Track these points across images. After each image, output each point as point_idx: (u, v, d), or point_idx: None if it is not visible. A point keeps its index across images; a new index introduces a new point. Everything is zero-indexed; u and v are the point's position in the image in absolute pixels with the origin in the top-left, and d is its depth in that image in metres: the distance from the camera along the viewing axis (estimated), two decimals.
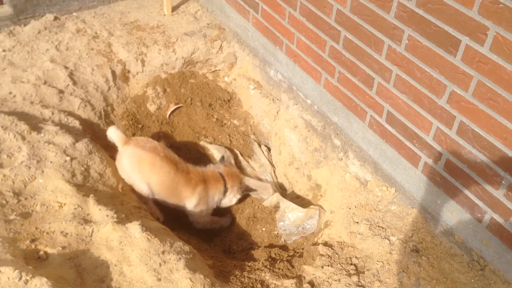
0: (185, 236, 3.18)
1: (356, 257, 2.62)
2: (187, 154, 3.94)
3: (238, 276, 2.56)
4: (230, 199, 3.56)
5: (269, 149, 4.00)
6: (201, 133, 4.06)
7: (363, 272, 2.51)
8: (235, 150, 3.98)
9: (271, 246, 3.20)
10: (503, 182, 2.25)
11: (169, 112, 4.00)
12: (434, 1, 2.24)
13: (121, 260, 2.36)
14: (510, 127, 2.13)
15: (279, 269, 2.68)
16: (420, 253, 2.55)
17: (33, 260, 2.26)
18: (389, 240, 2.63)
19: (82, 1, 4.30)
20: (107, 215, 2.60)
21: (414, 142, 2.68)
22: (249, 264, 2.78)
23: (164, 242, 2.48)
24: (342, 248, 2.71)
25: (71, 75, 3.63)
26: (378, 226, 2.73)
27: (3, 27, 3.91)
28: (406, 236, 2.65)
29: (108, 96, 3.76)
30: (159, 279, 2.29)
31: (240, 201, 3.71)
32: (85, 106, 3.54)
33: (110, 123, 3.68)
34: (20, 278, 2.02)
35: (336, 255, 2.66)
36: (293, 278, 2.54)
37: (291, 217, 3.22)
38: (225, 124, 4.13)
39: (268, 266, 2.70)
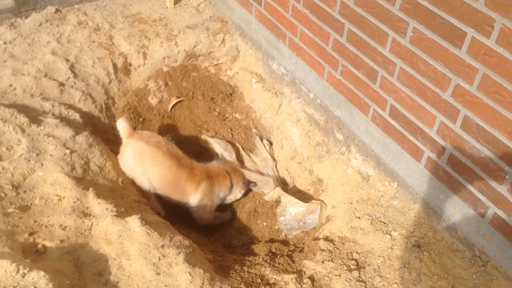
0: (185, 231, 3.16)
1: (357, 252, 2.60)
2: (189, 148, 3.92)
3: (238, 271, 2.55)
4: (235, 195, 3.56)
5: (271, 143, 3.97)
6: (202, 127, 4.03)
7: (364, 267, 2.48)
8: (237, 144, 3.96)
9: (271, 240, 3.18)
10: (507, 177, 2.21)
11: (170, 106, 3.98)
12: None
13: (120, 254, 2.35)
14: None
15: (279, 264, 2.66)
16: (422, 249, 2.53)
17: (31, 254, 2.25)
18: (390, 235, 2.60)
19: None
20: (106, 209, 2.58)
21: (417, 136, 2.64)
22: (249, 258, 2.76)
23: (164, 236, 2.46)
24: (343, 243, 2.69)
25: (72, 68, 3.61)
26: (380, 221, 2.70)
27: (4, 19, 3.90)
28: (408, 231, 2.62)
29: (109, 89, 3.74)
30: (158, 273, 2.28)
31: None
32: (86, 99, 3.52)
33: (111, 116, 3.67)
34: (18, 271, 2.01)
35: (337, 250, 2.64)
36: (293, 273, 2.52)
37: (292, 212, 3.20)
38: (227, 118, 4.10)
39: (269, 261, 2.68)
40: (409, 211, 2.73)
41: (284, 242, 3.09)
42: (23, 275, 2.00)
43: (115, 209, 2.58)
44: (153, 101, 3.95)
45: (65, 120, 3.16)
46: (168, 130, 3.94)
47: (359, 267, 2.51)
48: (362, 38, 2.77)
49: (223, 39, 4.16)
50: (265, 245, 2.99)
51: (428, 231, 2.63)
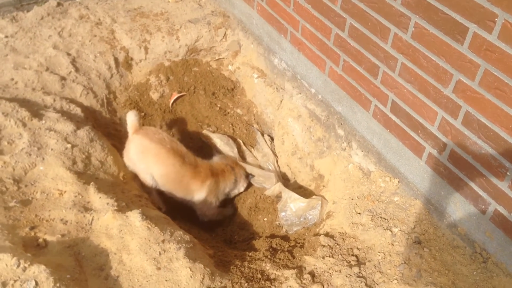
0: (186, 226, 3.17)
1: (357, 248, 2.59)
2: (190, 143, 3.92)
3: (238, 266, 2.55)
4: (239, 189, 3.59)
5: (272, 139, 3.97)
6: (204, 122, 4.03)
7: (364, 263, 2.48)
8: (238, 139, 3.95)
9: (272, 236, 3.18)
10: (508, 173, 2.21)
11: (172, 101, 3.98)
12: None
13: (120, 249, 2.35)
14: None
15: (279, 259, 2.66)
16: (422, 245, 2.52)
17: (32, 248, 2.26)
18: (391, 231, 2.60)
19: None
20: (107, 203, 2.59)
21: (418, 132, 2.63)
22: (250, 254, 2.76)
23: (165, 231, 2.46)
24: (343, 239, 2.69)
25: (73, 62, 3.60)
26: (381, 217, 2.70)
27: (6, 13, 3.89)
28: (408, 227, 2.62)
29: (111, 83, 3.74)
30: (159, 268, 2.28)
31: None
32: (87, 93, 3.52)
33: (112, 111, 3.67)
34: (18, 265, 2.02)
35: (338, 246, 2.64)
36: (293, 268, 2.52)
37: (293, 208, 3.20)
38: (228, 113, 4.10)
39: (269, 256, 2.68)
40: (410, 207, 2.73)
41: (285, 238, 3.09)
42: (24, 269, 2.01)
43: (116, 203, 2.59)
44: (155, 95, 3.95)
45: (66, 115, 3.16)
46: (170, 125, 3.94)
47: (359, 263, 2.51)
48: (363, 33, 2.76)
49: (225, 33, 4.15)
50: (265, 240, 2.99)
51: (428, 227, 2.63)
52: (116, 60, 3.79)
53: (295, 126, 3.58)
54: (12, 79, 3.32)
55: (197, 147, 3.88)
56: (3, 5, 3.92)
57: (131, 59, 3.88)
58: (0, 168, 2.62)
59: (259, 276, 2.47)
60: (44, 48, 3.62)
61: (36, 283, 1.98)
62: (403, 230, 2.60)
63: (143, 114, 3.84)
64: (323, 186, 3.34)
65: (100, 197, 2.61)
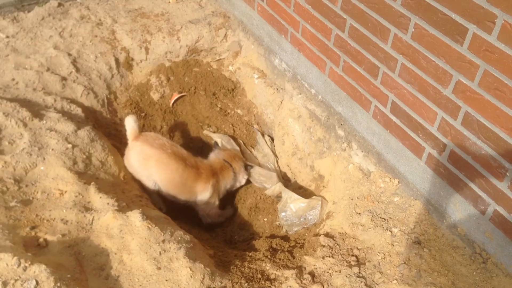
0: (186, 226, 3.17)
1: (357, 248, 2.60)
2: (190, 143, 3.93)
3: (238, 266, 2.55)
4: (240, 181, 3.60)
5: (272, 139, 3.97)
6: (204, 122, 4.04)
7: (364, 264, 2.49)
8: (239, 139, 3.96)
9: (272, 236, 3.19)
10: (507, 174, 2.21)
11: (172, 101, 3.98)
12: None
13: (121, 248, 2.36)
14: None
15: (279, 259, 2.67)
16: (422, 245, 2.53)
17: (32, 247, 2.26)
18: (391, 231, 2.61)
19: None
20: (108, 203, 2.59)
21: (418, 133, 2.64)
22: (250, 254, 2.76)
23: (165, 231, 2.47)
24: (343, 239, 2.69)
25: (74, 62, 3.61)
26: (380, 218, 2.70)
27: (7, 13, 3.90)
28: (408, 227, 2.62)
29: (111, 84, 3.74)
30: (159, 268, 2.29)
31: (242, 191, 3.70)
32: (88, 93, 3.53)
33: (113, 111, 3.67)
34: (19, 265, 2.02)
35: (338, 246, 2.64)
36: (293, 268, 2.52)
37: (293, 208, 3.20)
38: (228, 113, 4.11)
39: (269, 257, 2.69)
40: (409, 207, 2.73)
41: (285, 238, 3.10)
42: (25, 269, 2.02)
43: (116, 203, 2.59)
44: (155, 96, 3.96)
45: (67, 115, 3.17)
46: (170, 125, 3.95)
47: (359, 263, 2.51)
48: (363, 34, 2.76)
49: (225, 34, 4.16)
50: (265, 240, 3.00)
51: (428, 227, 2.63)
52: (116, 60, 3.79)
53: (295, 127, 3.59)
54: (13, 79, 3.33)
55: (198, 147, 3.89)
56: (4, 5, 3.93)
57: (132, 59, 3.89)
58: (1, 168, 2.63)
59: (259, 276, 2.47)
60: (45, 49, 3.63)
61: (37, 283, 1.98)
62: (403, 230, 2.60)
63: (143, 114, 3.85)
64: (323, 186, 3.35)
65: (100, 197, 2.62)
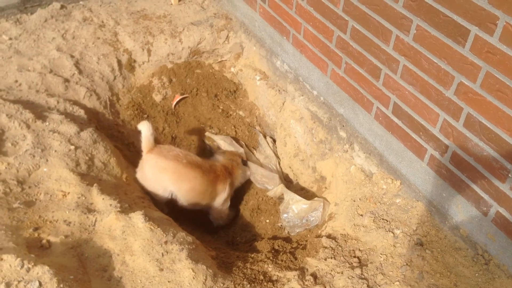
0: (189, 227, 3.17)
1: (359, 249, 2.60)
2: (192, 145, 3.93)
3: (240, 268, 2.56)
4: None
5: (274, 141, 3.98)
6: (206, 124, 4.04)
7: (366, 265, 2.49)
8: (240, 141, 3.97)
9: (274, 238, 3.19)
10: (509, 175, 2.21)
11: (174, 103, 3.99)
12: None
13: (123, 250, 2.36)
14: None
15: (282, 261, 2.67)
16: (424, 247, 2.53)
17: (35, 249, 2.27)
18: (393, 233, 2.61)
19: None
20: (110, 205, 2.60)
21: (420, 134, 2.64)
22: (252, 255, 2.77)
23: (167, 232, 2.47)
24: (345, 240, 2.69)
25: (77, 64, 3.62)
26: (383, 219, 2.70)
27: (10, 15, 3.92)
28: (410, 229, 2.62)
29: (114, 85, 3.75)
30: (161, 269, 2.29)
31: (244, 193, 3.71)
32: (91, 95, 3.54)
33: (115, 112, 3.68)
34: (22, 266, 2.03)
35: (340, 248, 2.64)
36: (296, 270, 2.53)
37: (295, 209, 3.20)
38: (230, 115, 4.11)
39: (271, 258, 2.69)
40: (411, 209, 2.73)
41: (287, 239, 3.10)
42: (28, 270, 2.03)
43: (119, 205, 2.60)
44: (157, 97, 3.97)
45: (70, 116, 3.18)
46: (172, 127, 3.96)
47: (361, 264, 2.51)
48: (365, 36, 2.77)
49: (227, 36, 4.16)
50: (268, 242, 3.00)
51: (430, 229, 2.63)
52: (119, 62, 3.80)
53: (297, 128, 3.59)
54: (16, 81, 3.34)
55: (200, 149, 3.89)
56: (7, 8, 3.94)
57: (134, 61, 3.90)
58: (4, 169, 2.64)
59: (261, 277, 2.48)
60: (47, 50, 3.64)
61: (40, 284, 1.99)
62: (405, 232, 2.60)
63: (145, 116, 3.85)
64: (325, 188, 3.35)
65: (103, 199, 2.62)
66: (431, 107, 2.51)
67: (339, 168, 3.22)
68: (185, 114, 4.04)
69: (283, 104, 3.74)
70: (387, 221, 2.69)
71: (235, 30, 4.16)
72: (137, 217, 2.48)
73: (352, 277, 2.41)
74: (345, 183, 3.09)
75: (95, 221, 2.50)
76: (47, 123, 3.00)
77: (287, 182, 3.76)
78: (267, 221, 3.44)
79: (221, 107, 4.10)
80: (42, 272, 2.03)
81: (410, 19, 2.43)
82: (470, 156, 2.39)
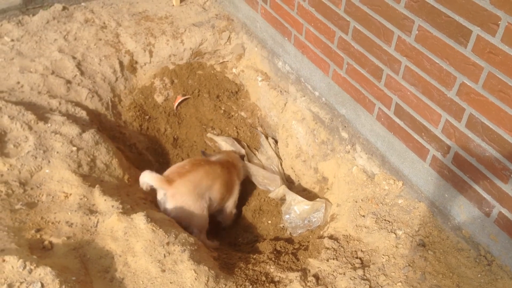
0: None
1: (361, 250, 2.60)
2: (194, 146, 3.93)
3: (242, 268, 2.55)
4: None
5: (276, 142, 3.98)
6: (208, 125, 4.04)
7: (369, 266, 2.48)
8: (242, 142, 3.97)
9: (276, 239, 3.18)
10: None
11: (176, 104, 3.99)
12: None
13: (125, 251, 2.36)
14: None
15: (284, 261, 2.67)
16: (427, 248, 2.52)
17: (37, 250, 2.27)
18: (395, 234, 2.60)
19: None
20: (112, 206, 2.60)
21: (422, 135, 2.64)
22: (254, 256, 2.77)
23: (169, 233, 2.47)
24: (347, 241, 2.69)
25: (78, 66, 3.63)
26: (385, 220, 2.70)
27: (12, 17, 3.92)
28: (412, 230, 2.62)
29: (116, 87, 3.76)
30: (164, 270, 2.29)
31: (246, 193, 3.71)
32: (93, 96, 3.54)
33: (117, 114, 3.69)
34: (24, 267, 2.03)
35: (342, 249, 2.64)
36: (298, 271, 2.52)
37: (297, 210, 3.20)
38: (232, 116, 4.11)
39: (273, 259, 2.69)
40: (414, 209, 2.73)
41: (289, 240, 3.10)
42: (30, 271, 2.03)
43: (121, 206, 2.60)
44: (159, 99, 3.97)
45: (72, 118, 3.18)
46: (174, 128, 3.96)
47: (363, 265, 2.51)
48: (367, 36, 2.77)
49: (229, 37, 4.17)
50: (270, 243, 3.00)
51: (433, 230, 2.63)
52: (121, 63, 3.81)
53: (299, 129, 3.59)
54: (18, 83, 3.35)
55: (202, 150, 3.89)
56: (9, 9, 3.95)
57: (136, 62, 3.90)
58: (6, 171, 2.64)
59: (264, 278, 2.47)
60: (49, 52, 3.64)
61: (42, 285, 1.99)
62: (407, 232, 2.60)
63: (147, 117, 3.86)
64: (327, 188, 3.35)
65: (105, 200, 2.62)
66: (433, 108, 2.51)
67: (341, 169, 3.21)
68: (187, 115, 4.04)
69: (285, 105, 3.74)
70: (389, 222, 2.69)
71: (236, 31, 4.16)
72: (139, 218, 2.48)
73: (354, 278, 2.41)
74: (347, 184, 3.09)
75: (97, 222, 2.50)
76: (49, 125, 3.00)
77: (289, 183, 3.76)
78: (269, 222, 3.44)
79: (223, 108, 4.10)
80: (44, 273, 2.03)
81: (411, 20, 2.43)
82: (473, 156, 2.38)
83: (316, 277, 2.47)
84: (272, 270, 2.54)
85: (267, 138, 3.99)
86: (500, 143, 2.22)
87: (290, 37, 3.53)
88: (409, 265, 2.44)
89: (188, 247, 2.43)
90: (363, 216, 2.79)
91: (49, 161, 2.77)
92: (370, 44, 2.76)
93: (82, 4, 4.24)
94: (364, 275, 2.43)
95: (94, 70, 3.68)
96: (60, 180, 2.70)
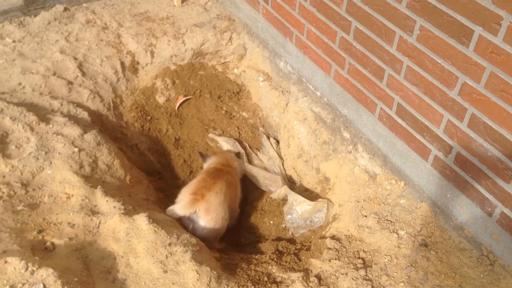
0: None
1: (363, 251, 2.59)
2: (196, 146, 3.93)
3: (245, 269, 2.55)
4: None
5: (277, 142, 3.98)
6: (210, 125, 4.04)
7: (371, 266, 2.48)
8: (244, 142, 3.97)
9: (278, 239, 3.18)
10: None
11: (178, 104, 3.99)
12: None
13: (127, 252, 2.36)
14: None
15: (286, 262, 2.66)
16: (429, 248, 2.52)
17: (40, 251, 2.27)
18: (397, 234, 2.60)
19: None
20: (114, 207, 2.60)
21: (424, 135, 2.63)
22: (256, 257, 2.77)
23: (171, 234, 2.47)
24: (350, 241, 2.69)
25: (80, 66, 3.63)
26: (387, 220, 2.70)
27: (14, 18, 3.93)
28: (414, 230, 2.61)
29: (117, 87, 3.76)
30: (166, 271, 2.29)
31: (248, 194, 3.71)
32: (94, 97, 3.55)
33: (119, 114, 3.69)
34: (27, 269, 2.03)
35: (344, 249, 2.64)
36: (300, 271, 2.52)
37: (299, 210, 3.20)
38: (234, 116, 4.11)
39: (275, 259, 2.69)
40: (416, 210, 2.73)
41: (291, 241, 3.10)
42: (32, 272, 2.03)
43: (122, 207, 2.60)
44: (161, 99, 3.97)
45: (73, 119, 3.19)
46: (175, 129, 3.96)
47: (365, 265, 2.51)
48: (369, 36, 2.76)
49: (230, 37, 4.16)
50: (272, 243, 3.00)
51: (435, 230, 2.62)
52: (122, 64, 3.81)
53: (300, 129, 3.59)
54: (20, 84, 3.35)
55: (204, 150, 3.89)
56: (10, 10, 3.95)
57: (137, 63, 3.90)
58: (8, 172, 2.64)
59: (266, 279, 2.47)
60: (51, 53, 3.65)
61: (44, 286, 1.99)
62: (409, 232, 2.60)
63: (149, 118, 3.86)
64: (329, 189, 3.35)
65: (107, 201, 2.63)
66: (435, 108, 2.50)
67: (343, 169, 3.21)
68: (188, 115, 4.04)
69: (287, 105, 3.74)
70: (391, 222, 2.68)
71: (238, 32, 4.16)
72: (141, 219, 2.48)
73: (357, 278, 2.41)
74: (349, 184, 3.08)
75: (99, 223, 2.50)
76: (50, 126, 3.00)
77: (291, 183, 3.76)
78: (271, 222, 3.44)
79: (224, 109, 4.10)
80: (47, 274, 2.03)
81: (413, 20, 2.42)
82: (475, 156, 2.38)
83: (318, 277, 2.47)
84: (274, 271, 2.54)
85: (268, 138, 3.99)
86: (502, 143, 2.21)
87: (292, 37, 3.52)
88: (411, 265, 2.44)
89: (190, 247, 2.43)
90: (365, 216, 2.79)
91: (51, 162, 2.77)
92: (372, 44, 2.76)
93: (84, 5, 4.24)
94: (366, 275, 2.43)
95: (96, 71, 3.68)
96: (62, 181, 2.70)
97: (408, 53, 2.53)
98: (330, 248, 2.65)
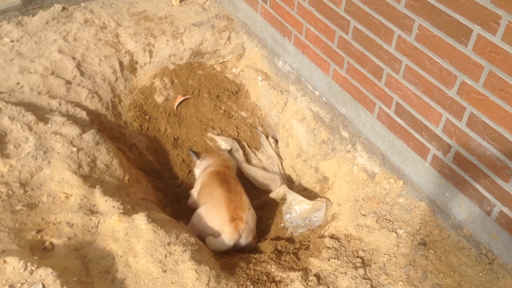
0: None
1: (362, 250, 2.60)
2: (194, 146, 3.93)
3: (244, 268, 2.55)
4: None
5: (276, 141, 3.98)
6: (208, 125, 4.04)
7: (370, 265, 2.48)
8: (243, 142, 3.97)
9: (277, 238, 3.18)
10: None
11: (176, 104, 3.99)
12: None
13: (126, 251, 2.36)
14: None
15: (285, 261, 2.67)
16: (428, 246, 2.52)
17: (38, 251, 2.27)
18: (396, 233, 2.60)
19: None
20: (113, 206, 2.60)
21: (423, 134, 2.64)
22: (255, 256, 2.77)
23: (170, 233, 2.47)
24: (348, 240, 2.69)
25: (78, 66, 3.62)
26: (386, 219, 2.70)
27: (12, 18, 3.92)
28: (413, 229, 2.62)
29: (116, 87, 3.75)
30: (165, 271, 2.29)
31: (247, 193, 3.70)
32: (93, 97, 3.54)
33: (117, 114, 3.68)
34: (26, 268, 2.03)
35: (343, 248, 2.64)
36: (299, 270, 2.52)
37: (297, 210, 3.20)
38: (232, 115, 4.11)
39: (274, 259, 2.69)
40: (414, 209, 2.73)
41: (290, 240, 3.10)
42: (31, 272, 2.02)
43: (121, 206, 2.60)
44: (159, 99, 3.97)
45: (72, 118, 3.18)
46: (174, 128, 3.96)
47: (364, 264, 2.51)
48: (367, 36, 2.77)
49: (229, 37, 4.16)
50: (270, 242, 3.00)
51: (434, 229, 2.63)
52: (121, 63, 3.80)
53: (299, 129, 3.59)
54: (18, 83, 3.34)
55: (203, 150, 3.89)
56: (8, 10, 3.94)
57: (136, 62, 3.90)
58: (7, 171, 2.64)
59: (265, 278, 2.47)
60: (49, 52, 3.64)
61: (43, 286, 1.99)
62: (408, 231, 2.60)
63: (147, 117, 3.85)
64: (328, 188, 3.35)
65: (105, 200, 2.62)
66: (434, 107, 2.50)
67: (341, 168, 3.21)
68: (187, 115, 4.04)
69: (285, 104, 3.74)
70: (390, 221, 2.69)
71: (236, 31, 4.16)
72: (140, 219, 2.48)
73: (356, 277, 2.41)
74: (347, 183, 3.09)
75: (98, 223, 2.50)
76: (49, 125, 3.00)
77: (290, 182, 3.76)
78: (270, 221, 3.44)
79: (223, 108, 4.10)
80: (45, 274, 2.03)
81: (412, 19, 2.43)
82: (473, 155, 2.38)
83: (317, 276, 2.47)
84: (273, 270, 2.54)
85: (267, 137, 3.99)
86: (501, 142, 2.22)
87: (290, 37, 3.52)
88: (410, 264, 2.44)
89: (189, 247, 2.43)
90: (364, 215, 2.79)
91: (49, 162, 2.76)
92: (371, 43, 2.76)
93: (82, 4, 4.24)
94: (365, 274, 2.43)
95: (94, 70, 3.68)
96: (61, 181, 2.70)
97: (407, 52, 2.54)
98: (329, 247, 2.65)
